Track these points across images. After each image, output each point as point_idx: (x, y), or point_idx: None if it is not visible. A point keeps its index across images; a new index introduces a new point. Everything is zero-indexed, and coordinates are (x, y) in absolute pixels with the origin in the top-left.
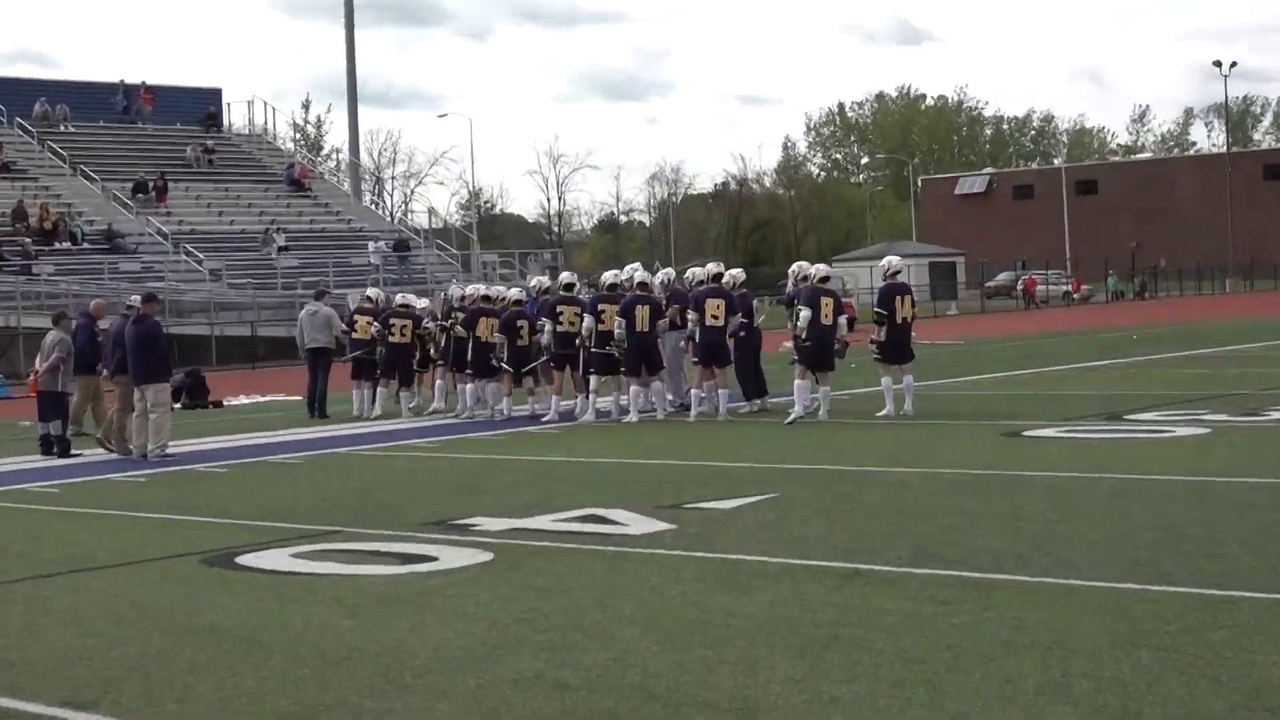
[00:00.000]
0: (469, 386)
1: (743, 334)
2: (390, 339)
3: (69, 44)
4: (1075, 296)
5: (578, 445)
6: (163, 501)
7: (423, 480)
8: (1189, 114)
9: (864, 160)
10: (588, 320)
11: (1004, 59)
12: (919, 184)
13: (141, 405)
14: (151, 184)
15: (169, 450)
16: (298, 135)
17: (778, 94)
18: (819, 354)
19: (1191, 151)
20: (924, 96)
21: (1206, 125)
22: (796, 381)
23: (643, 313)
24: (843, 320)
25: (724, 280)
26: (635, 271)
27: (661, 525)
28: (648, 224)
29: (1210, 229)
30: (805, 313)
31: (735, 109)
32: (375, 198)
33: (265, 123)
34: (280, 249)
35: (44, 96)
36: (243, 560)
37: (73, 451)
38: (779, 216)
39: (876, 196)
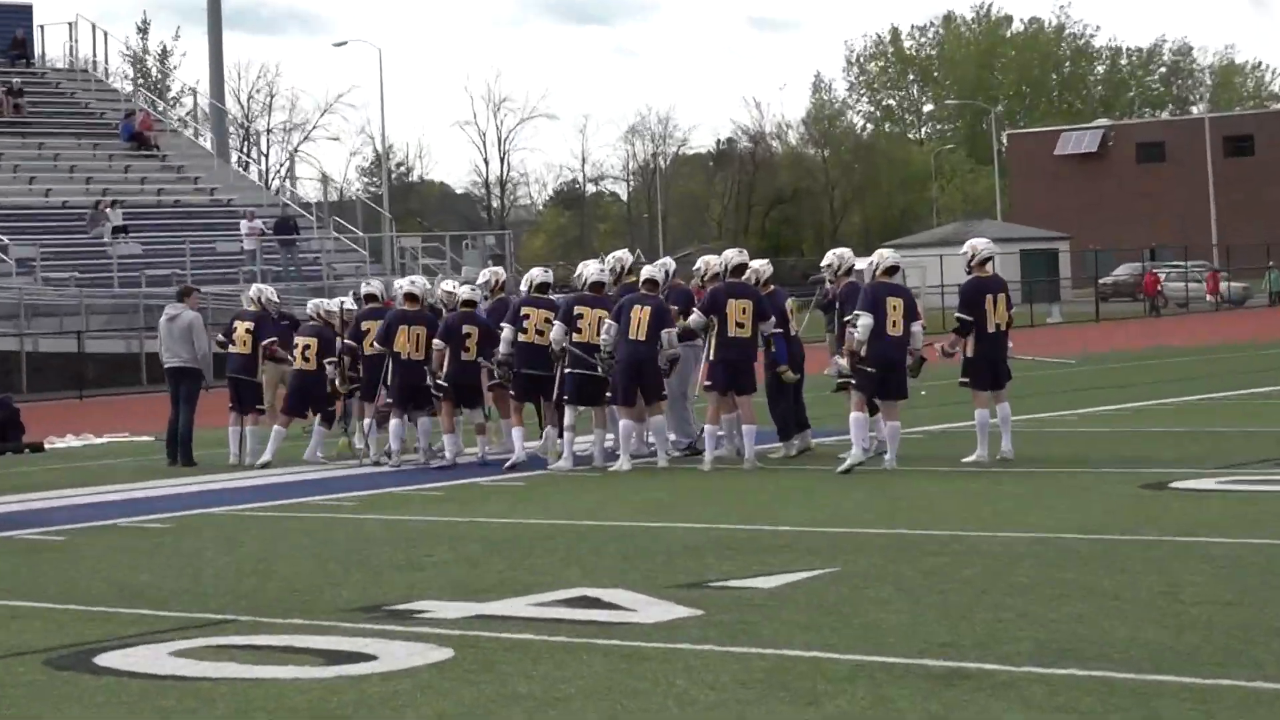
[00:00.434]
0: (393, 423)
1: (774, 350)
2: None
3: None
4: (1212, 300)
5: (552, 502)
6: None
7: (344, 550)
8: None
9: (927, 108)
10: (557, 329)
11: None
12: (1004, 141)
13: None
14: None
15: None
16: (137, 71)
17: (804, 14)
18: (884, 377)
19: None
20: (1010, 19)
21: None
22: (852, 415)
23: (640, 317)
24: (917, 328)
25: (748, 274)
26: (624, 260)
27: (681, 611)
28: (624, 195)
29: None
30: (865, 320)
31: (745, 35)
32: (245, 157)
33: (93, 53)
34: (116, 230)
35: None
36: (104, 660)
37: None
38: (809, 186)
39: (945, 158)
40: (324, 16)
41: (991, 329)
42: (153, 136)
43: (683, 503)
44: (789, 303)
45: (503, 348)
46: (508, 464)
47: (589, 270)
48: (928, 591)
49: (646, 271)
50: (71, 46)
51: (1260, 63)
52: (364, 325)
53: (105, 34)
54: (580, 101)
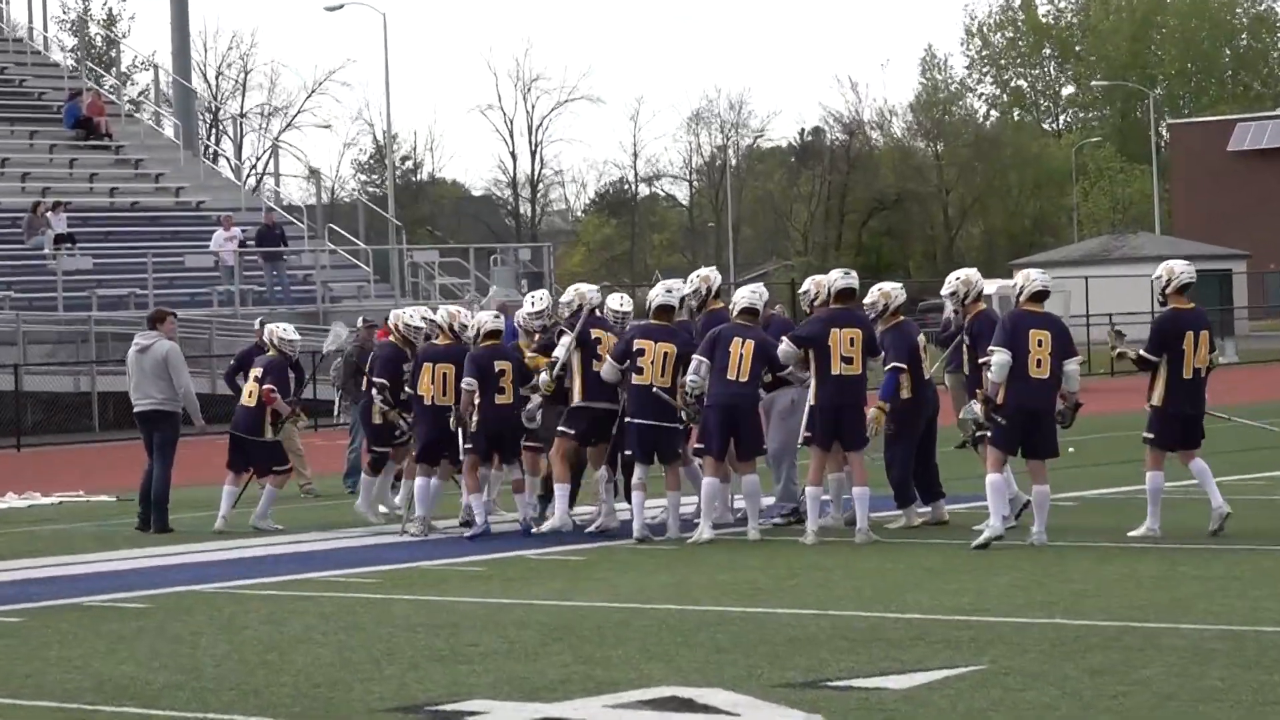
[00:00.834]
0: (419, 482)
1: (888, 395)
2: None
3: None
4: None
5: (620, 581)
6: None
7: (369, 638)
8: None
9: (1067, 91)
10: (608, 367)
11: None
12: (1164, 133)
13: None
14: None
15: None
16: (80, 40)
17: None
18: (1027, 429)
19: None
20: None
21: None
22: (989, 477)
23: (742, 352)
24: (1072, 367)
25: (875, 298)
26: (710, 281)
27: (797, 715)
28: (684, 200)
29: None
30: (1001, 357)
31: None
32: (214, 147)
33: (28, 19)
34: (60, 240)
35: None
36: None
37: None
38: (917, 188)
39: (1090, 154)
40: None
41: (1189, 374)
42: (104, 123)
43: (784, 584)
44: (920, 338)
45: (541, 385)
46: (543, 526)
47: (657, 294)
48: (1098, 696)
49: (744, 298)
50: (3, 11)
51: None
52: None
53: None
54: (632, 82)
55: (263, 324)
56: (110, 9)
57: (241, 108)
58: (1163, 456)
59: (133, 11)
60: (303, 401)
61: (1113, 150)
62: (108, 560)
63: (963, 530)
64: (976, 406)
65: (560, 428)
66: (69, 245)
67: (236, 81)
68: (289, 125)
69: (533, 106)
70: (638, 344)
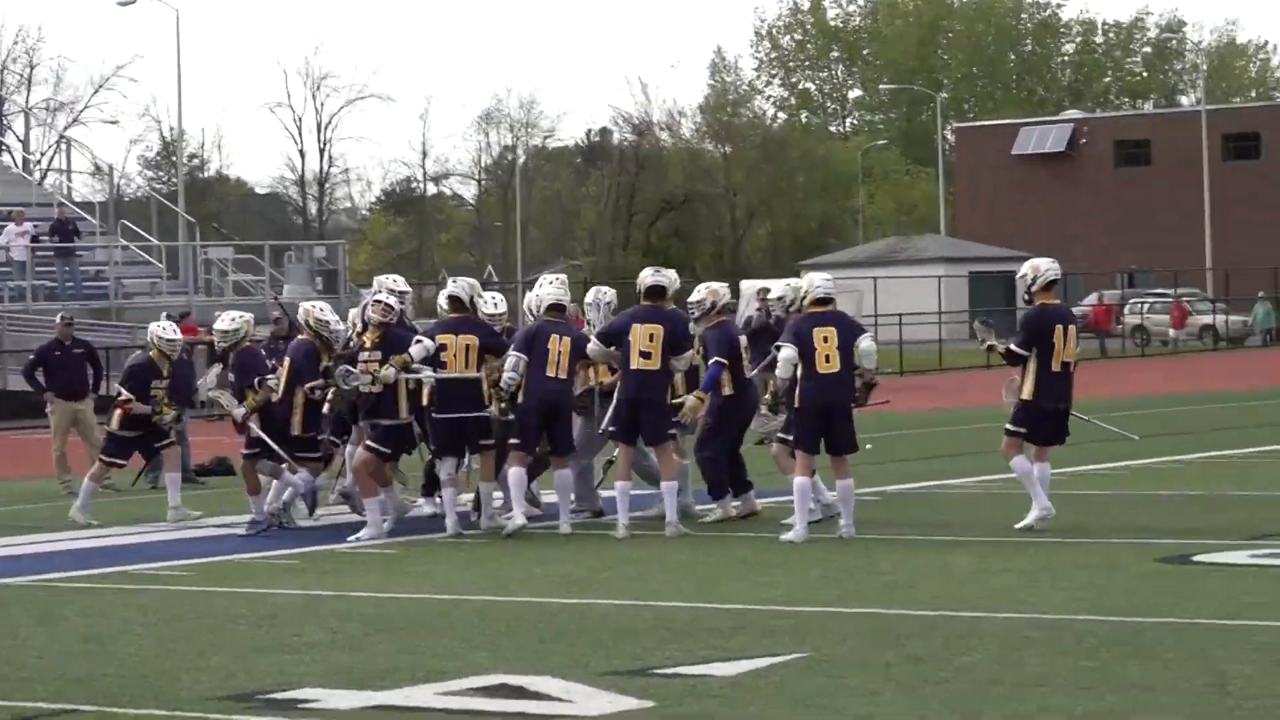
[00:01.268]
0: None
1: (708, 387)
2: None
3: None
4: (1177, 335)
5: (435, 572)
6: None
7: (192, 629)
8: None
9: (855, 94)
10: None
11: None
12: (949, 136)
13: None
14: None
15: None
16: None
17: None
18: (825, 425)
19: None
20: None
21: None
22: (796, 480)
23: (558, 349)
24: (865, 345)
25: (694, 299)
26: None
27: (629, 702)
28: (472, 199)
29: None
30: (788, 352)
31: (625, 3)
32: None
33: None
34: None
35: None
36: None
37: None
38: (705, 190)
39: (876, 157)
40: None
41: (1058, 368)
42: None
43: (599, 576)
44: (743, 339)
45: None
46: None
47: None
48: (922, 682)
49: (551, 294)
50: None
51: (1266, 42)
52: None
53: None
54: (422, 81)
55: (64, 320)
56: None
57: (27, 101)
58: (1021, 445)
59: None
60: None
61: (898, 153)
62: None
63: (773, 523)
64: (765, 410)
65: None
66: None
67: (22, 76)
68: (75, 120)
69: (322, 104)
70: (440, 339)
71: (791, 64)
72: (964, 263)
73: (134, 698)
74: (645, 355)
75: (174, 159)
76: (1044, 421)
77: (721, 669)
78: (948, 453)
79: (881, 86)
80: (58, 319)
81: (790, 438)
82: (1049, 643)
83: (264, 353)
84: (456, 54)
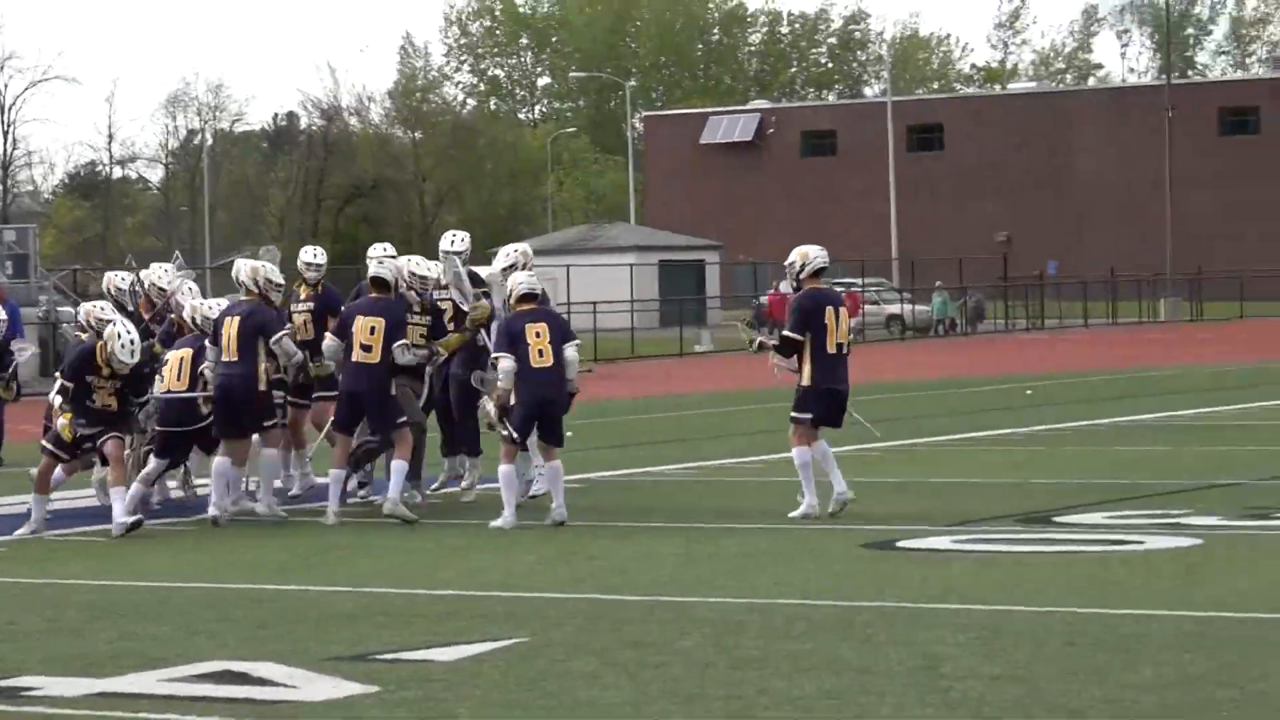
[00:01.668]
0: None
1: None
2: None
3: None
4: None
5: (149, 559)
6: None
7: None
8: (1091, 18)
9: (544, 82)
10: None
11: None
12: (638, 124)
13: None
14: None
15: None
16: None
17: None
18: (540, 416)
19: (1095, 81)
20: None
21: (1121, 37)
22: (501, 468)
23: (230, 333)
24: (570, 354)
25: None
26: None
27: (353, 687)
28: (156, 183)
29: (1133, 212)
30: (506, 364)
31: None
32: None
33: None
34: None
35: None
36: None
37: None
38: (395, 176)
39: (565, 145)
40: None
41: (833, 349)
42: None
43: (310, 562)
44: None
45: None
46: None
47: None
48: (641, 666)
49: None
50: None
51: (948, 35)
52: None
53: None
54: (109, 63)
55: None
56: None
57: None
58: (811, 433)
59: None
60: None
61: (587, 141)
62: None
63: (484, 510)
64: (490, 406)
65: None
66: None
67: None
68: None
69: (5, 86)
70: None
71: (481, 51)
72: (655, 251)
73: None
74: (365, 349)
75: None
76: (824, 403)
77: (442, 654)
78: (647, 440)
79: (571, 75)
80: None
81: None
82: (762, 626)
83: None
84: (144, 36)
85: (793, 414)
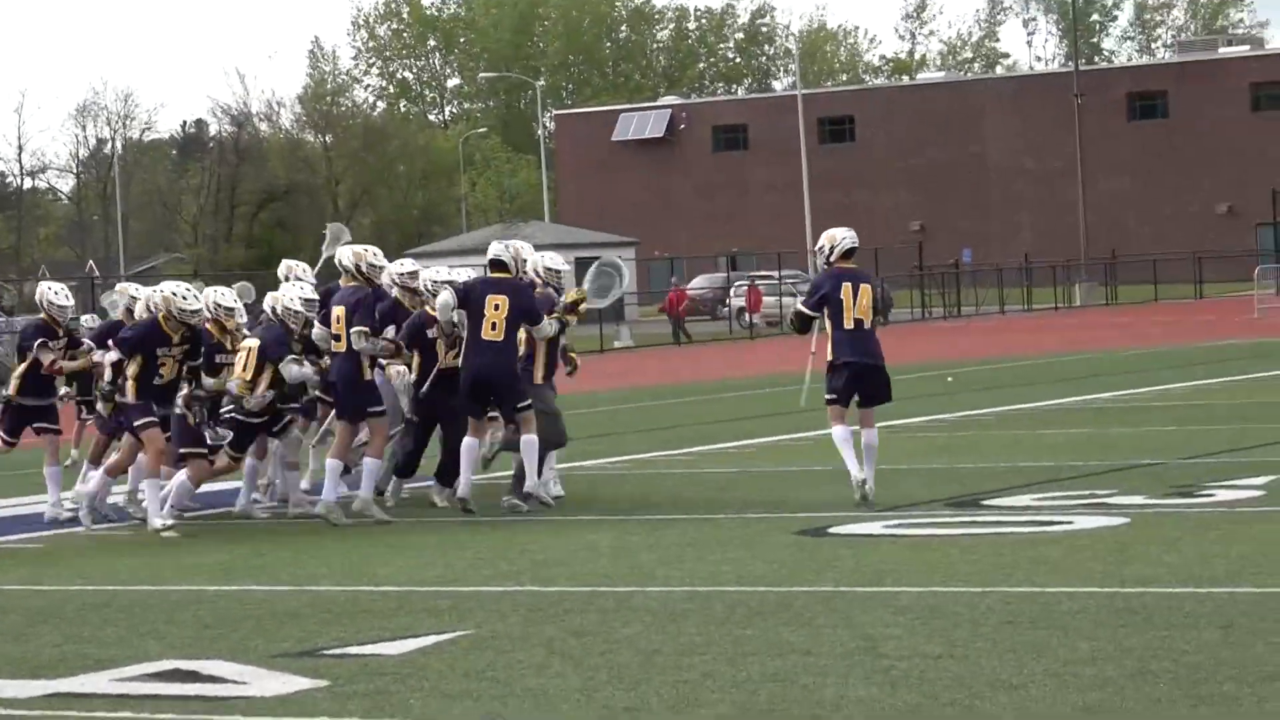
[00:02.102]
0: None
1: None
2: None
3: None
4: (754, 318)
5: (88, 564)
6: None
7: None
8: (997, 6)
9: (453, 83)
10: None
11: None
12: (549, 123)
13: None
14: None
15: None
16: None
17: None
18: (482, 394)
19: (1002, 69)
20: None
21: (1027, 25)
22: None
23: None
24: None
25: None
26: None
27: (303, 682)
28: (68, 193)
29: (1045, 199)
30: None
31: None
32: None
33: None
34: None
35: None
36: None
37: None
38: (307, 180)
39: (477, 145)
40: None
41: (850, 325)
42: None
43: (254, 563)
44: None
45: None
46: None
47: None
48: (586, 654)
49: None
50: None
51: (855, 27)
52: None
53: None
54: (16, 74)
55: None
56: None
57: None
58: (841, 412)
59: None
60: None
61: (499, 141)
62: None
63: (418, 508)
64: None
65: None
66: None
67: None
68: None
69: None
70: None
71: (389, 53)
72: (571, 248)
73: None
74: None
75: None
76: (845, 378)
77: (389, 648)
78: (573, 436)
79: (480, 75)
80: None
81: None
82: (703, 613)
83: None
84: (50, 47)
85: (825, 396)
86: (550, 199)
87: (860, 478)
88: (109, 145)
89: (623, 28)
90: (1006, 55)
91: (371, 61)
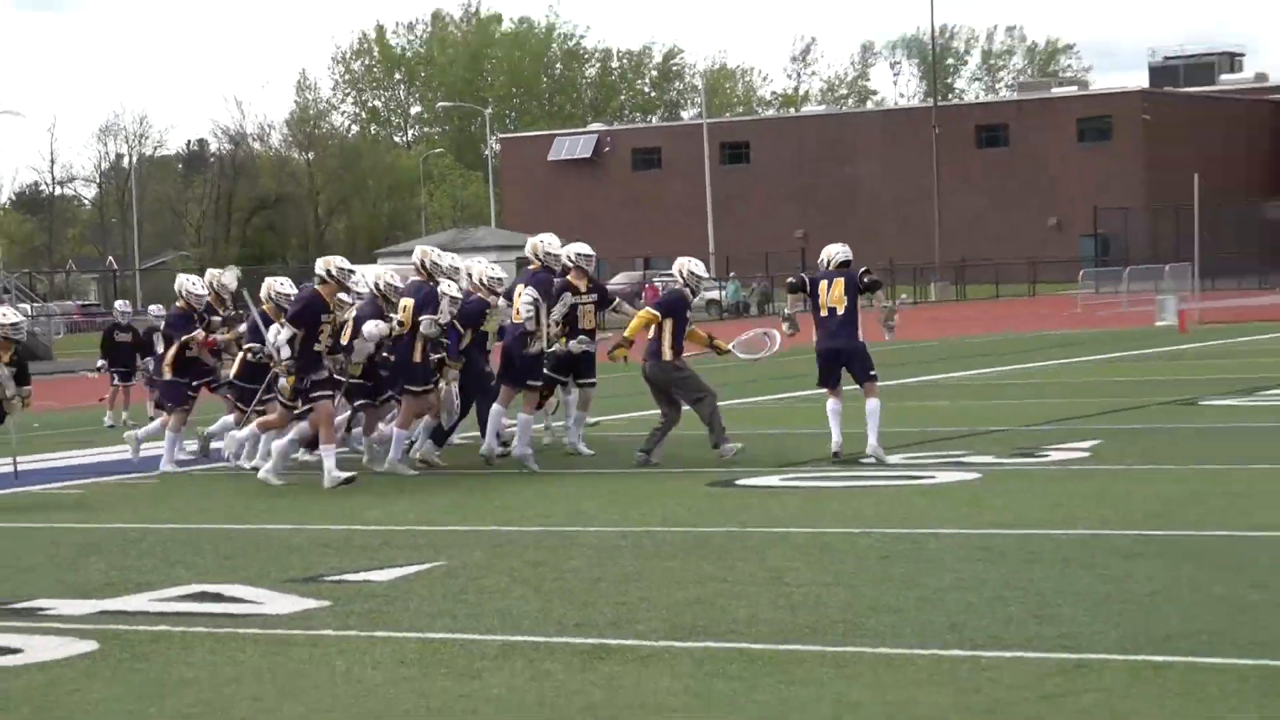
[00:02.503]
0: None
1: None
2: None
3: None
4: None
5: (129, 509)
6: None
7: None
8: (868, 51)
9: (415, 110)
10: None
11: None
12: (496, 145)
13: None
14: None
15: None
16: None
17: (286, 6)
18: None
19: (872, 104)
20: (499, 18)
21: (894, 67)
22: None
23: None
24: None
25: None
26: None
27: (309, 603)
28: (91, 200)
29: (907, 212)
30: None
31: (223, 29)
32: None
33: None
34: None
35: None
36: None
37: None
38: (292, 192)
39: (434, 163)
40: None
41: (825, 313)
42: None
43: (260, 508)
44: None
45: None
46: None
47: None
48: (543, 580)
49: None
50: None
51: (752, 68)
52: None
53: None
54: (48, 98)
55: None
56: None
57: None
58: (831, 390)
59: None
60: None
61: (453, 159)
62: None
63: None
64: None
65: None
66: None
67: None
68: None
69: None
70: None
71: (362, 85)
72: (514, 250)
73: None
74: None
75: None
76: (822, 361)
77: (378, 575)
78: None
79: (438, 105)
80: None
81: None
82: (635, 549)
83: None
84: (78, 75)
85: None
86: (496, 209)
87: (838, 441)
88: (127, 159)
89: (557, 65)
90: (875, 92)
91: (347, 92)
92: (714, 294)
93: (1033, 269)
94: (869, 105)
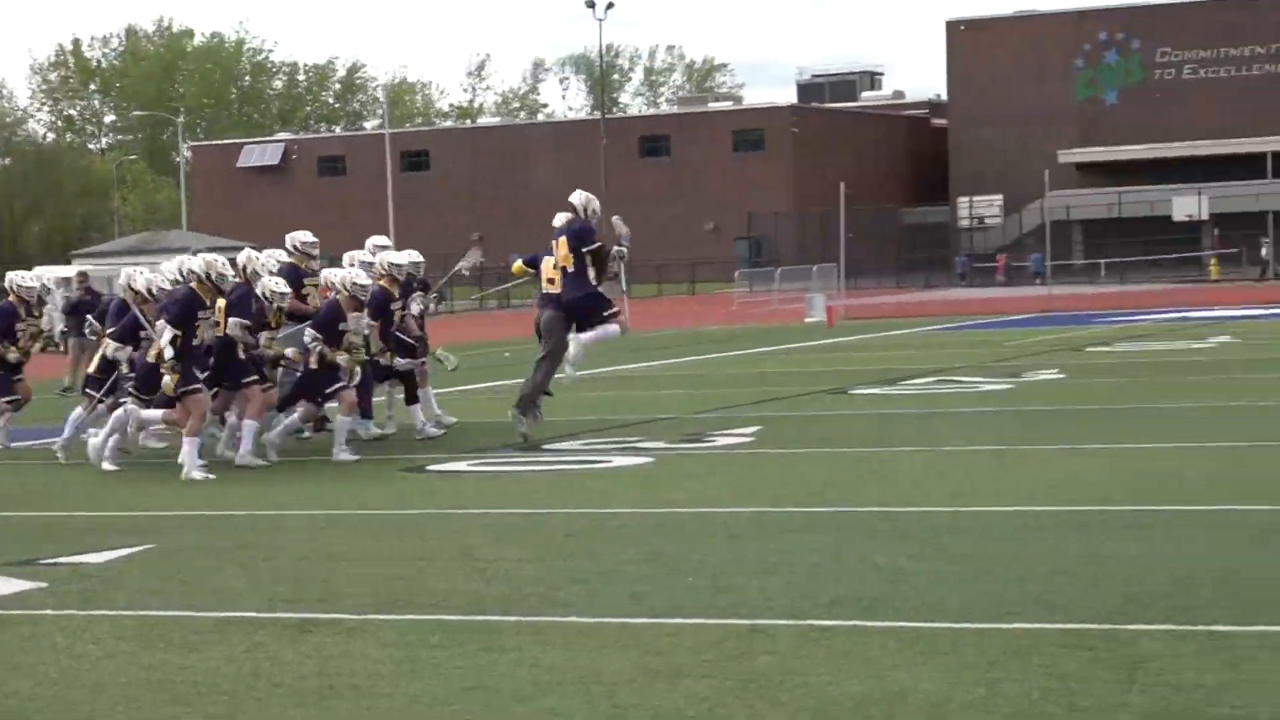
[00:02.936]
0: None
1: None
2: None
3: None
4: None
5: None
6: None
7: None
8: (539, 67)
9: (109, 119)
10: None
11: None
12: (187, 152)
13: None
14: None
15: None
16: None
17: None
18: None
19: (543, 116)
20: (192, 33)
21: (563, 83)
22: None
23: None
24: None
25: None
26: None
27: (24, 584)
28: None
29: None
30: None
31: None
32: None
33: None
34: None
35: None
36: None
37: None
38: None
39: (127, 168)
40: None
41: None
42: None
43: None
44: None
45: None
46: None
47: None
48: (253, 560)
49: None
50: None
51: (430, 82)
52: None
53: None
54: None
55: None
56: None
57: None
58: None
59: None
60: None
61: (145, 165)
62: None
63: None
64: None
65: None
66: None
67: None
68: None
69: None
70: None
71: (58, 95)
72: (203, 252)
73: None
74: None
75: None
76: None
77: (92, 558)
78: None
79: (132, 113)
80: None
81: None
82: (338, 530)
83: None
84: None
85: None
86: (187, 213)
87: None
88: None
89: (246, 77)
90: (546, 105)
91: (44, 101)
92: None
93: (692, 269)
94: (540, 118)
